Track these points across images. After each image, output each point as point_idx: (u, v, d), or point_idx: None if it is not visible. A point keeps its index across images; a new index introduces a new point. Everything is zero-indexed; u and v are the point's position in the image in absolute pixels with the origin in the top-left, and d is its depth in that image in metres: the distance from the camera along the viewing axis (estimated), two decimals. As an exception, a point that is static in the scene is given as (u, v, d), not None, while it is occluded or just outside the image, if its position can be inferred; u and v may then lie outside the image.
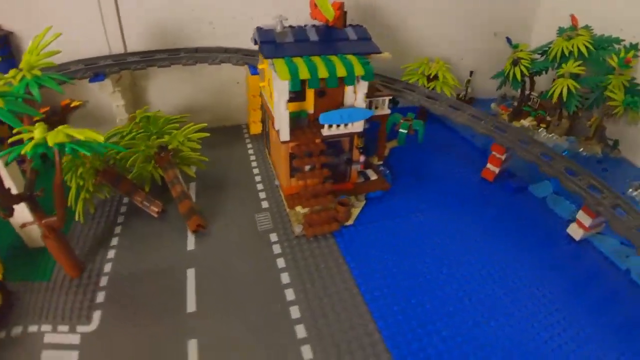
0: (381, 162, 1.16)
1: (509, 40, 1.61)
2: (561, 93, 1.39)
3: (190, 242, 0.93)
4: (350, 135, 0.96)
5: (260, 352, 0.70)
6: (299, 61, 0.85)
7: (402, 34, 1.58)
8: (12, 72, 0.78)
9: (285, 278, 0.83)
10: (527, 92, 1.57)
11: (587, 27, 1.54)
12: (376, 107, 1.06)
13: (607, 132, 1.58)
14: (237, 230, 0.96)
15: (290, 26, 0.96)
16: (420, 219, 1.02)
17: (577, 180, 1.00)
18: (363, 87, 0.90)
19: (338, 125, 0.92)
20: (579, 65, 1.40)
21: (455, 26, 1.63)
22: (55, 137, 0.67)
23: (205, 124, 1.08)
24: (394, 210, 1.03)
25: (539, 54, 1.58)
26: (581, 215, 1.00)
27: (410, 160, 1.26)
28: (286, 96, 0.85)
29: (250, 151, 1.26)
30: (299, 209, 0.95)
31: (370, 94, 1.05)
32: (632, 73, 1.43)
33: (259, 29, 0.92)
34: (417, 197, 1.09)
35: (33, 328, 0.74)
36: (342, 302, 0.78)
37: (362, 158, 1.01)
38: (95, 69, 1.07)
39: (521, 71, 1.48)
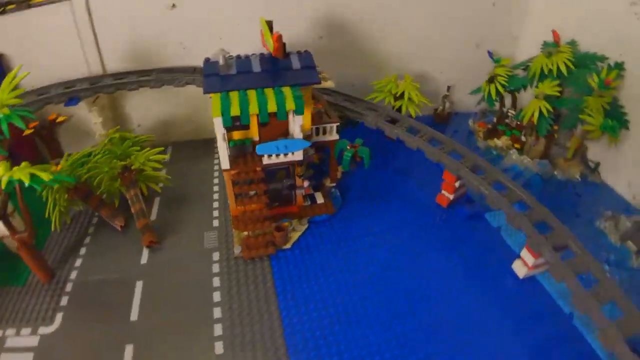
0: (334, 185, 1.22)
1: (490, 54, 1.58)
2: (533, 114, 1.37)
3: (144, 256, 1.05)
4: (291, 164, 1.02)
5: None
6: (234, 96, 0.91)
7: (379, 47, 1.58)
8: (-15, 108, 0.90)
9: (217, 296, 0.93)
10: (505, 109, 1.55)
11: (572, 42, 1.49)
12: (324, 133, 1.11)
13: (589, 154, 1.54)
14: (185, 247, 1.06)
15: (238, 56, 1.01)
16: (360, 245, 1.07)
17: (524, 215, 1.00)
18: (298, 119, 0.95)
19: (277, 155, 0.99)
20: (556, 86, 1.37)
21: (435, 38, 1.62)
22: (11, 175, 0.79)
23: (163, 148, 1.18)
24: (336, 234, 1.09)
25: (522, 69, 1.54)
26: (525, 254, 1.01)
27: (367, 182, 1.30)
28: (222, 130, 0.92)
29: (215, 167, 1.35)
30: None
31: (318, 119, 1.10)
32: (616, 94, 1.38)
33: (205, 61, 0.99)
34: (364, 221, 1.14)
35: (-1, 331, 0.88)
36: (260, 324, 0.86)
37: (305, 183, 1.07)
38: (71, 93, 1.19)
39: (497, 89, 1.47)
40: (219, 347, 0.82)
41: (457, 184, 1.17)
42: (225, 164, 0.98)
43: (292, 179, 1.05)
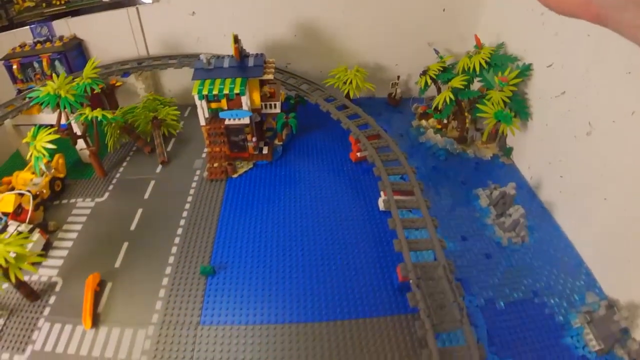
0: (280, 143, 1.95)
1: (436, 51, 2.14)
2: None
3: (159, 168, 1.89)
4: (243, 126, 1.78)
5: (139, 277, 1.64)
6: (207, 82, 1.68)
7: (342, 43, 2.21)
8: (77, 79, 1.79)
9: (189, 199, 1.74)
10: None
11: (500, 45, 1.97)
12: (270, 108, 1.85)
13: (508, 140, 2.04)
14: (181, 165, 1.89)
15: (218, 56, 1.78)
16: (286, 181, 1.79)
17: (385, 168, 1.59)
18: (245, 98, 1.70)
19: (234, 119, 1.76)
20: (464, 80, 1.91)
21: (392, 37, 2.20)
22: (92, 114, 1.68)
23: (176, 106, 2.03)
24: (269, 173, 1.83)
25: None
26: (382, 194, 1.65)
27: (305, 143, 2.01)
28: (199, 101, 1.71)
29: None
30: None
31: (265, 99, 1.83)
32: (517, 90, 1.86)
33: (197, 59, 1.77)
34: (293, 167, 1.85)
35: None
36: (206, 226, 1.61)
37: (253, 139, 1.83)
38: (125, 69, 2.07)
39: (425, 81, 2.04)
40: (179, 232, 1.59)
41: (360, 145, 1.82)
42: (202, 121, 1.78)
43: (243, 135, 1.81)
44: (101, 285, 1.43)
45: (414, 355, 1.21)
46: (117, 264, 1.50)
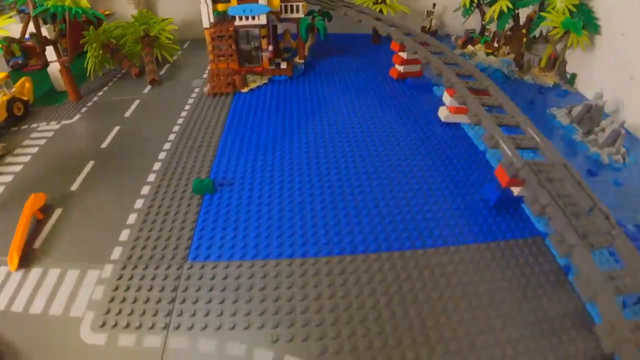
0: (302, 61, 1.48)
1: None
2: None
3: (147, 89, 1.42)
4: (258, 27, 1.31)
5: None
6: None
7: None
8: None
9: (183, 114, 1.25)
10: (483, 22, 1.67)
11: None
12: (292, 12, 1.38)
13: (568, 67, 1.60)
14: (176, 86, 1.43)
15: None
16: (312, 100, 1.31)
17: (446, 65, 1.13)
18: (263, -11, 1.24)
19: (247, 18, 1.28)
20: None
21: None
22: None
23: (172, 19, 1.57)
24: (287, 90, 1.36)
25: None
26: (445, 96, 1.17)
27: (330, 61, 1.57)
28: (203, -4, 1.24)
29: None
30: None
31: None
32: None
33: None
34: (320, 85, 1.39)
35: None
36: (205, 140, 1.13)
37: (270, 47, 1.35)
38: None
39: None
40: (162, 155, 1.08)
41: (404, 55, 1.34)
42: (206, 23, 1.30)
43: (257, 42, 1.34)
44: (47, 212, 0.92)
45: (533, 295, 0.72)
46: (75, 187, 1.01)
